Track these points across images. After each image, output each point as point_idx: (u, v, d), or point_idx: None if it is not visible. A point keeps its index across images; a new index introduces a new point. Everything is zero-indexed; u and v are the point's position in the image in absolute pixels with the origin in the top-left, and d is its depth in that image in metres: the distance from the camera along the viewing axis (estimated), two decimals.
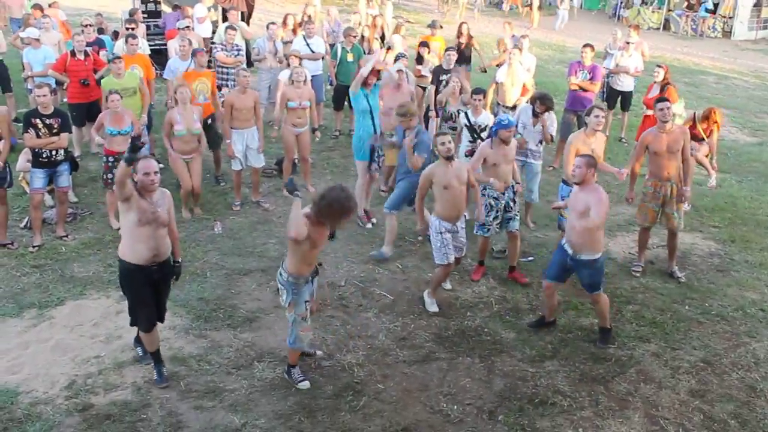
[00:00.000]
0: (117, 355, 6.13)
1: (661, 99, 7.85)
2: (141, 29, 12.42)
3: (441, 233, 6.94)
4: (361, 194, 8.65)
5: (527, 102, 8.47)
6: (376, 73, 8.60)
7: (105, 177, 8.25)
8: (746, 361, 6.58)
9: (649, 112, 10.24)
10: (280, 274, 5.73)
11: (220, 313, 6.84)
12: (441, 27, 12.40)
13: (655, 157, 7.70)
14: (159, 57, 13.45)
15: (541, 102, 8.29)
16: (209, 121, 9.47)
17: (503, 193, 7.49)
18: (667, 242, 8.11)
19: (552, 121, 8.49)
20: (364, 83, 8.45)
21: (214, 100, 9.75)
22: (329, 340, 6.48)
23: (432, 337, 6.66)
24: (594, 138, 7.54)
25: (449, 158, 6.83)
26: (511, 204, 7.55)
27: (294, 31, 13.01)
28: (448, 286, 7.53)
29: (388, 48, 11.56)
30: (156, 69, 11.39)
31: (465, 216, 7.20)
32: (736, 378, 6.33)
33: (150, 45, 12.55)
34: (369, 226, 8.76)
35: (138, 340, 6.13)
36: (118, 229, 7.80)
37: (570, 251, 6.42)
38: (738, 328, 7.12)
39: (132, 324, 5.95)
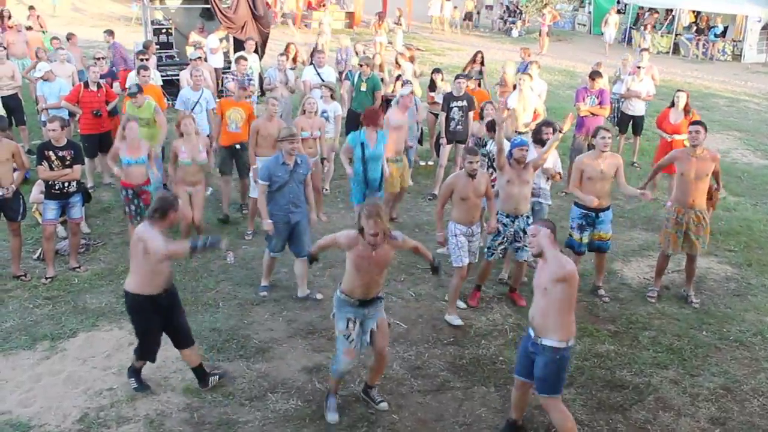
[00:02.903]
0: (129, 388, 6.08)
1: (696, 122, 7.70)
2: (152, 60, 12.54)
3: (456, 236, 7.19)
4: None
5: (531, 137, 8.40)
6: (377, 117, 8.57)
7: (127, 211, 8.30)
8: (767, 387, 6.47)
9: (669, 137, 10.20)
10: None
11: (233, 343, 6.80)
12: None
13: (681, 181, 7.58)
14: (171, 87, 13.59)
15: (547, 125, 8.21)
16: (238, 147, 9.51)
17: (513, 221, 7.43)
18: (685, 266, 8.03)
19: (555, 158, 8.35)
20: (373, 124, 8.48)
21: (248, 130, 9.72)
22: (355, 372, 6.40)
23: (446, 366, 6.59)
24: (602, 160, 7.46)
25: (472, 176, 7.03)
26: (521, 234, 7.43)
27: (294, 60, 13.12)
28: (462, 305, 7.50)
29: (398, 77, 11.64)
30: (168, 99, 11.48)
31: (481, 223, 7.34)
32: (757, 405, 6.22)
33: (162, 76, 12.67)
34: None
35: (132, 372, 6.14)
36: None
37: (532, 334, 5.31)
38: (757, 353, 7.01)
39: (139, 358, 6.01)
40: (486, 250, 7.57)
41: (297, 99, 12.34)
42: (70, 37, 13.54)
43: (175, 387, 6.13)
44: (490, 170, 8.50)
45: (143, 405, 5.89)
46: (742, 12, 26.32)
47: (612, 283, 8.22)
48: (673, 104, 10.43)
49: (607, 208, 7.65)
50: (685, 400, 6.24)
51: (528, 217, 7.50)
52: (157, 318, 5.80)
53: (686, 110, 10.32)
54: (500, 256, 7.61)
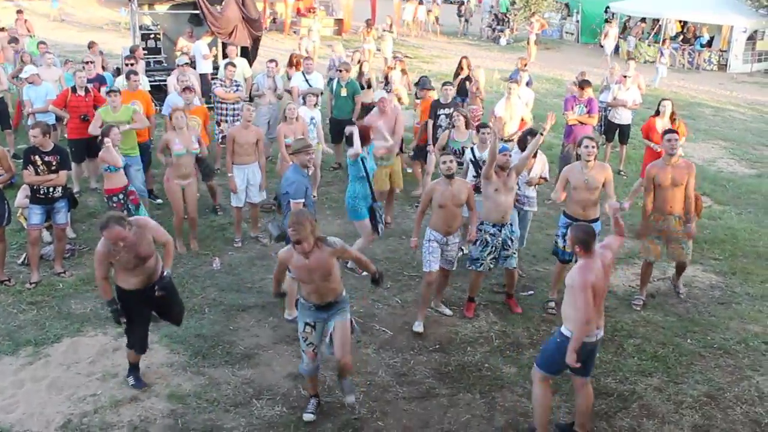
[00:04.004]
0: (113, 393, 6.06)
1: (669, 131, 7.82)
2: (141, 65, 12.51)
3: (429, 241, 7.19)
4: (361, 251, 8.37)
5: (517, 146, 8.37)
6: (369, 133, 8.40)
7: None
8: (750, 395, 6.52)
9: (658, 147, 10.22)
10: None
11: (218, 349, 6.78)
12: (432, 89, 12.08)
13: (658, 190, 7.67)
14: (159, 93, 13.55)
15: (531, 134, 8.00)
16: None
17: (500, 230, 7.44)
18: (675, 272, 8.19)
19: (544, 163, 8.37)
20: (365, 141, 8.11)
21: (205, 134, 9.82)
22: (328, 376, 6.40)
23: (432, 373, 6.60)
24: (588, 169, 7.42)
25: (449, 176, 7.02)
26: (509, 242, 7.48)
27: (297, 66, 13.13)
28: (448, 312, 7.51)
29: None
30: (156, 105, 11.46)
31: (460, 234, 7.27)
32: (740, 413, 6.26)
33: (150, 81, 12.64)
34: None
35: (130, 370, 6.22)
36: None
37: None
38: (741, 361, 7.06)
39: (128, 346, 6.12)
40: (474, 261, 7.56)
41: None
42: (91, 45, 13.33)
43: (159, 393, 6.11)
44: (475, 178, 8.51)
45: (127, 411, 5.87)
46: (727, 22, 26.55)
47: None
48: (658, 113, 10.48)
49: (595, 220, 7.53)
50: (669, 407, 6.27)
51: (512, 224, 7.52)
52: (140, 310, 5.97)
53: (672, 119, 10.39)
54: (490, 267, 7.55)
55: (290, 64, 12.76)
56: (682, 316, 7.85)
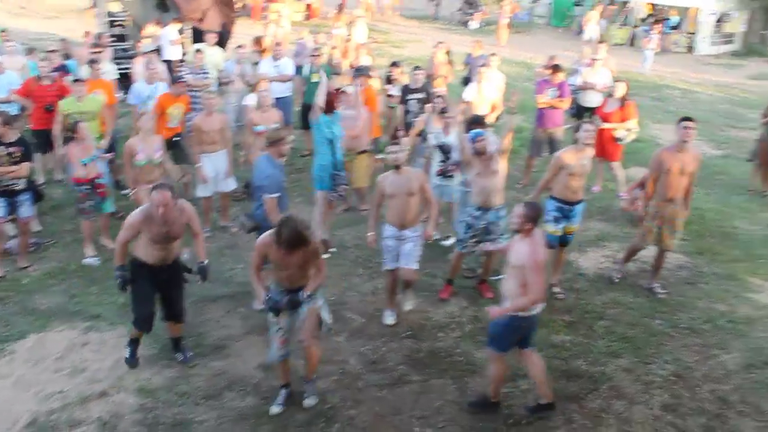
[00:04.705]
0: (82, 389, 5.98)
1: (686, 118, 7.64)
2: (107, 53, 12.29)
3: (385, 238, 7.08)
4: (319, 221, 8.49)
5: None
6: (337, 96, 8.48)
7: (84, 207, 8.15)
8: (717, 373, 6.61)
9: (605, 125, 10.30)
10: None
11: (188, 341, 6.69)
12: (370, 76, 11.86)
13: (665, 176, 7.59)
14: (127, 81, 13.31)
15: (476, 123, 7.83)
16: (176, 138, 9.46)
17: (485, 213, 7.39)
18: (655, 259, 8.06)
19: (493, 140, 8.33)
20: (329, 109, 8.27)
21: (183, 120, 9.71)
22: (299, 366, 6.36)
23: (404, 360, 6.60)
24: (584, 154, 7.48)
25: (396, 167, 6.90)
26: (493, 227, 7.40)
27: (263, 52, 12.97)
28: (406, 308, 7.39)
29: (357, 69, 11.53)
30: (123, 93, 11.29)
31: (420, 228, 7.13)
32: (707, 391, 6.35)
33: (119, 69, 12.42)
34: (327, 256, 8.56)
35: (130, 342, 6.30)
36: (112, 249, 7.94)
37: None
38: (708, 340, 7.14)
39: (133, 324, 6.20)
40: (458, 242, 7.55)
41: None
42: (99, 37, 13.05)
43: (128, 387, 6.05)
44: (442, 163, 8.47)
45: (96, 407, 5.81)
46: (695, 5, 26.77)
47: (568, 273, 8.28)
48: (611, 95, 10.52)
49: (581, 201, 7.67)
50: (639, 387, 6.34)
51: (498, 209, 7.47)
52: (149, 286, 6.03)
53: (623, 100, 10.44)
54: (473, 250, 7.54)
55: (257, 46, 12.60)
56: (650, 296, 7.92)
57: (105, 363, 6.35)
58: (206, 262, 6.32)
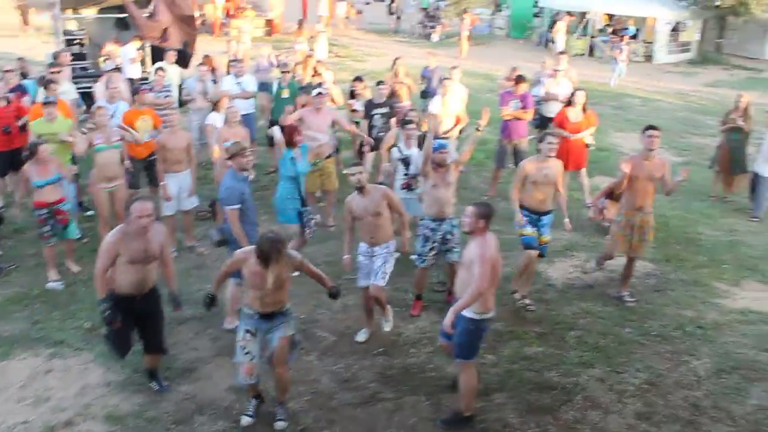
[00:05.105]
0: (47, 419, 5.81)
1: (650, 126, 7.77)
2: (66, 72, 12.07)
3: (358, 255, 7.06)
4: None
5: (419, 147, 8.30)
6: (295, 130, 8.37)
7: (42, 232, 7.95)
8: (688, 379, 6.66)
9: (572, 136, 10.37)
10: None
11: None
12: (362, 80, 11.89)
13: (632, 183, 7.68)
14: (87, 101, 13.08)
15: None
16: (152, 158, 9.27)
17: (440, 225, 7.44)
18: (625, 268, 8.11)
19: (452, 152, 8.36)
20: (290, 143, 8.20)
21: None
22: (271, 386, 6.26)
23: (376, 377, 6.54)
24: (547, 164, 7.52)
25: (360, 189, 6.84)
26: (449, 236, 7.48)
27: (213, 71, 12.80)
28: (386, 328, 7.32)
29: (318, 84, 11.50)
30: (85, 113, 11.10)
31: (392, 244, 7.10)
32: (680, 397, 6.39)
33: (77, 88, 12.20)
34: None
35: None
36: (76, 273, 8.18)
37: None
38: (678, 347, 7.20)
39: (110, 348, 6.08)
40: (417, 257, 7.54)
41: None
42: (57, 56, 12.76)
43: (96, 415, 5.90)
44: (406, 176, 8.48)
45: None
46: (652, 14, 27.26)
47: (537, 284, 8.31)
48: (570, 103, 10.60)
49: (549, 212, 7.70)
50: (612, 397, 6.36)
51: (452, 219, 7.50)
52: (127, 321, 5.81)
53: (583, 109, 10.56)
54: (433, 261, 7.57)
55: (207, 64, 12.34)
56: (620, 305, 7.97)
57: (70, 390, 6.18)
58: (177, 289, 6.18)
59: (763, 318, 7.83)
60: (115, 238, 5.67)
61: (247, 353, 5.61)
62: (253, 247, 5.43)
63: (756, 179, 10.83)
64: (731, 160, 11.34)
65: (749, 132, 11.32)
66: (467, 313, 5.59)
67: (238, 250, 5.68)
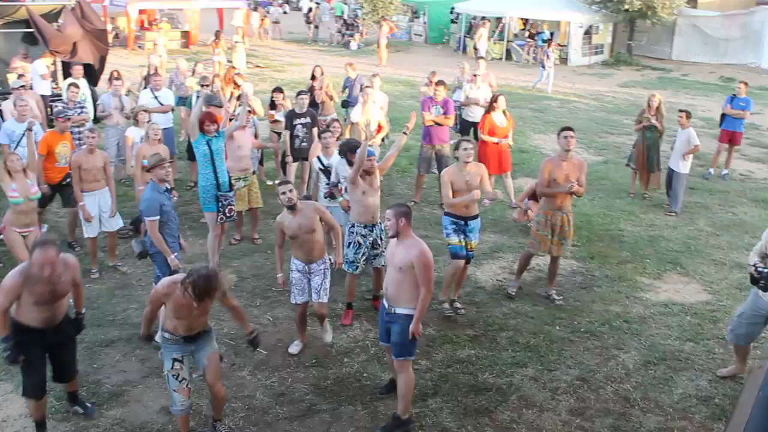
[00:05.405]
0: None
1: (566, 128, 7.95)
2: None
3: (292, 272, 6.94)
4: (213, 247, 8.42)
5: (340, 155, 8.29)
6: (216, 119, 8.31)
7: None
8: (618, 373, 6.81)
9: (489, 139, 10.56)
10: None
11: (83, 391, 6.27)
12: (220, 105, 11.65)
13: (552, 185, 7.82)
14: None
15: (351, 150, 7.84)
16: (66, 181, 8.88)
17: (371, 230, 7.46)
18: (549, 267, 8.30)
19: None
20: (203, 129, 8.15)
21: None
22: (204, 405, 6.10)
23: (311, 389, 6.45)
24: (467, 170, 7.54)
25: (290, 207, 6.68)
26: (379, 241, 7.53)
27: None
28: (328, 339, 7.22)
29: (238, 97, 11.33)
30: None
31: (328, 260, 7.05)
32: (610, 391, 6.52)
33: None
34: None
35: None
36: None
37: (386, 304, 5.89)
38: (607, 342, 7.36)
39: (25, 394, 5.62)
40: (350, 264, 7.50)
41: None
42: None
43: None
44: (328, 185, 8.43)
45: None
46: (565, 18, 28.04)
47: (467, 287, 8.37)
48: (492, 109, 10.78)
49: (476, 217, 7.73)
50: (546, 395, 6.44)
51: (381, 223, 7.50)
52: (37, 352, 5.48)
53: (504, 113, 10.77)
54: (364, 266, 7.60)
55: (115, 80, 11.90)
56: (548, 304, 8.10)
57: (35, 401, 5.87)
58: (84, 312, 5.93)
59: (684, 309, 8.10)
60: (16, 282, 5.25)
61: (181, 381, 5.42)
62: (175, 278, 5.25)
63: (671, 175, 11.21)
64: (647, 157, 11.70)
65: (663, 130, 11.70)
66: (403, 310, 5.68)
67: (160, 285, 5.40)
